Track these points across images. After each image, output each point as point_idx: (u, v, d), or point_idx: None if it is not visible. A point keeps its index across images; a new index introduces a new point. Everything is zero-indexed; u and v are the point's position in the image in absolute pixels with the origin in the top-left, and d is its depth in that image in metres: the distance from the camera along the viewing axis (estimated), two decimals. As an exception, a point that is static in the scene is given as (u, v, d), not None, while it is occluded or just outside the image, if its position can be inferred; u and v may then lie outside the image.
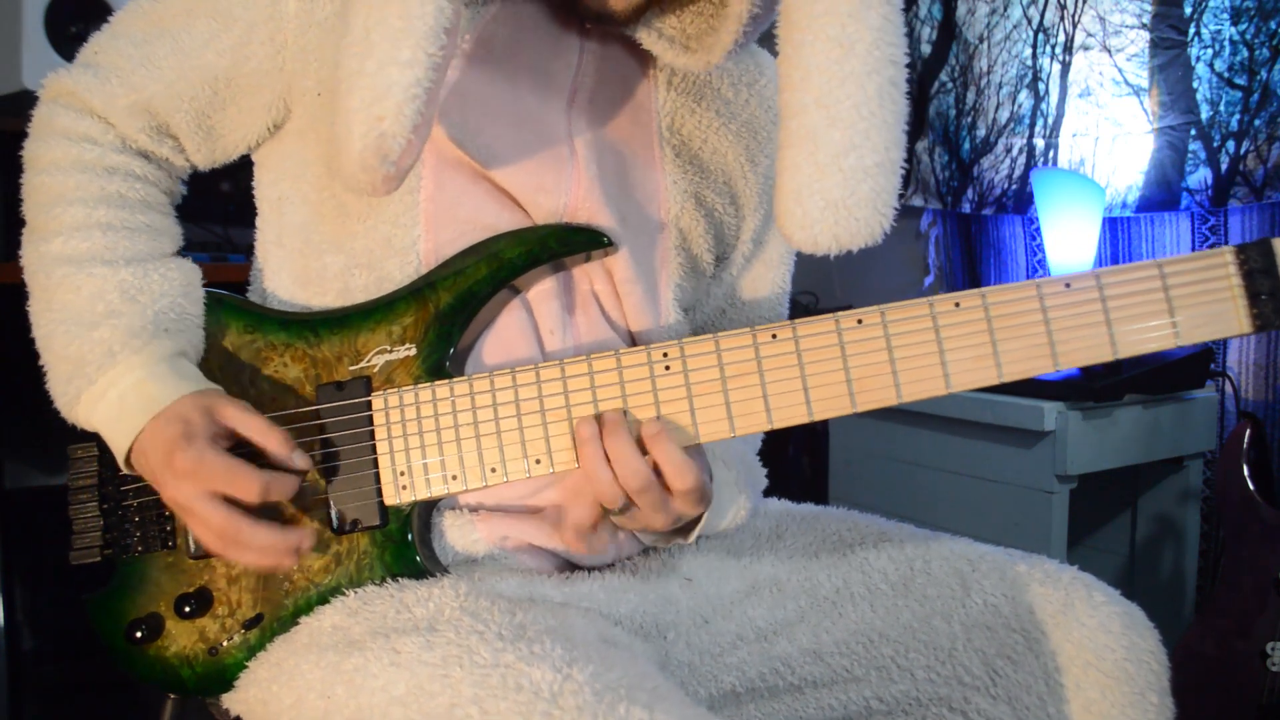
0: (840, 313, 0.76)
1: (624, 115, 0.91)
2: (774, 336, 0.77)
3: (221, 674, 0.81)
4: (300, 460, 0.77)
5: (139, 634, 0.82)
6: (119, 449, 0.79)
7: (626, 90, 0.92)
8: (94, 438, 0.84)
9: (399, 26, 0.69)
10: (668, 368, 0.78)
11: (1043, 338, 0.73)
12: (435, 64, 0.70)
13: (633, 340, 0.90)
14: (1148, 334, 0.73)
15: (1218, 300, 0.72)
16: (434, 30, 0.70)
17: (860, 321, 0.76)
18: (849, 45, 0.71)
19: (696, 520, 0.85)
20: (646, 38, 0.87)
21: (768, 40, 0.93)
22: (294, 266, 0.88)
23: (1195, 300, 0.72)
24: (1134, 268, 0.73)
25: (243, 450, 0.78)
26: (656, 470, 0.76)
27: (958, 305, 0.75)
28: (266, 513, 0.78)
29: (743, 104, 0.97)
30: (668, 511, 0.78)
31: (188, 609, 0.81)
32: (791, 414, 0.76)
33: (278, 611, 0.81)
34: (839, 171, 0.71)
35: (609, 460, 0.75)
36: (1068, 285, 0.73)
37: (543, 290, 0.85)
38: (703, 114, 0.94)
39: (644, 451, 0.76)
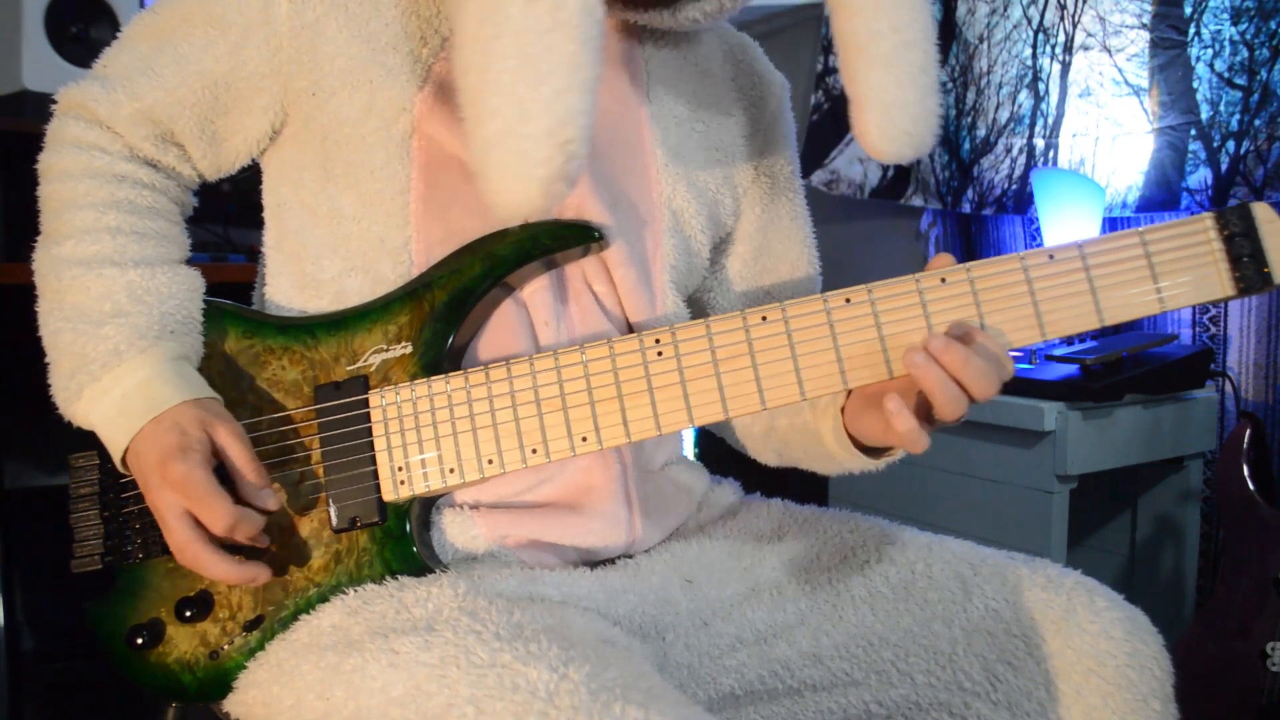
0: (829, 292, 0.77)
1: (614, 100, 0.91)
2: (764, 319, 0.77)
3: (222, 678, 0.81)
4: (269, 500, 0.79)
5: (140, 640, 0.82)
6: (116, 447, 0.80)
7: (617, 75, 0.92)
8: (93, 444, 0.84)
9: (572, 50, 0.70)
10: (660, 353, 0.78)
11: (1029, 309, 0.74)
12: (596, 85, 0.72)
13: (630, 328, 0.90)
14: (1133, 301, 0.74)
15: (1200, 265, 0.73)
16: (600, 51, 0.71)
17: (848, 300, 0.76)
18: None
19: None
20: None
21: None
22: (292, 270, 0.89)
23: (1178, 266, 0.73)
24: (1116, 236, 0.74)
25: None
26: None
27: (944, 281, 0.75)
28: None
29: (729, 81, 0.99)
30: (1001, 370, 0.75)
31: (189, 613, 0.81)
32: (784, 394, 0.77)
33: (278, 612, 0.81)
34: (916, 89, 0.78)
35: (952, 377, 0.73)
36: (1051, 257, 0.74)
37: (536, 284, 0.86)
38: (691, 94, 0.96)
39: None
